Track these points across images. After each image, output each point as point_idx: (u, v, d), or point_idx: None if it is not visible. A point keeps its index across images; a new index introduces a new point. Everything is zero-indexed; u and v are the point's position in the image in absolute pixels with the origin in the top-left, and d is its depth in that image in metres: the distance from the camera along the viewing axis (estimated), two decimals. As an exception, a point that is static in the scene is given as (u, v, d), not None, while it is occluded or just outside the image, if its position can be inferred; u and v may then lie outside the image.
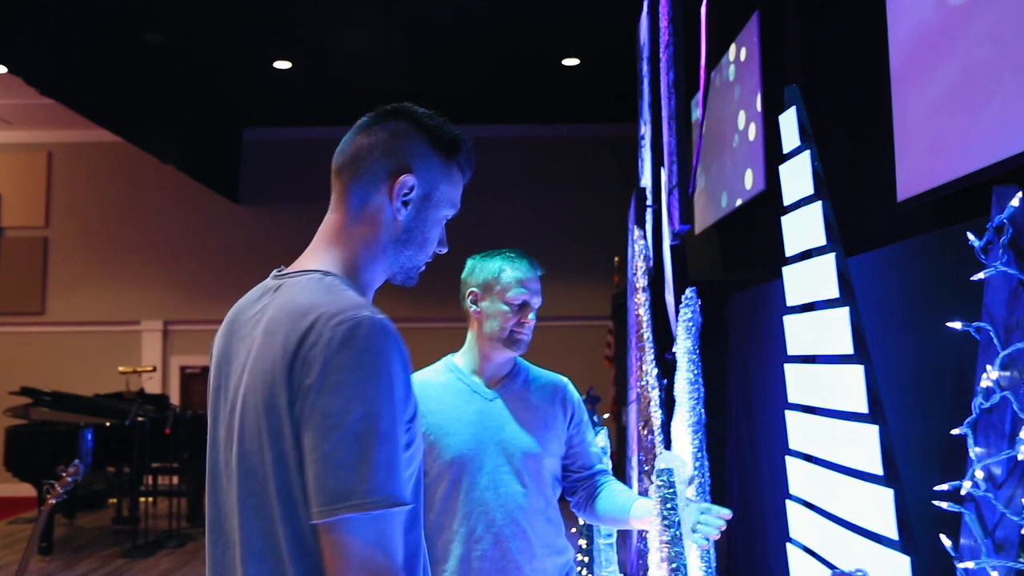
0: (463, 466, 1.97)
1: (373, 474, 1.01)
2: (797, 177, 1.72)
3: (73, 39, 6.12)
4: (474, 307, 2.06)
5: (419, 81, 8.22)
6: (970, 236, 1.21)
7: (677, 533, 1.52)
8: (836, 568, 0.84)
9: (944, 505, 1.24)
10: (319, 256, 1.23)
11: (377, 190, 1.24)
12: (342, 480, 1.00)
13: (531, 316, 2.02)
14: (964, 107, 1.83)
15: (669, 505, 1.52)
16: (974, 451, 1.21)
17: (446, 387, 2.06)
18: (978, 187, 1.80)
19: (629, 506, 1.95)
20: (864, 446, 1.50)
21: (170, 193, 9.58)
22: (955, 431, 1.23)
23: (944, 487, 1.23)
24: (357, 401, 1.03)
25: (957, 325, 1.21)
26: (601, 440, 3.71)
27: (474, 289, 2.05)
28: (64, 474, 3.49)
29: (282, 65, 7.72)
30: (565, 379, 2.15)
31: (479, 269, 2.06)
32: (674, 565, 1.55)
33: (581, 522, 3.60)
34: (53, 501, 3.67)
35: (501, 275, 2.04)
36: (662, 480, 1.51)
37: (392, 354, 1.07)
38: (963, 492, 1.20)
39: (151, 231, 9.69)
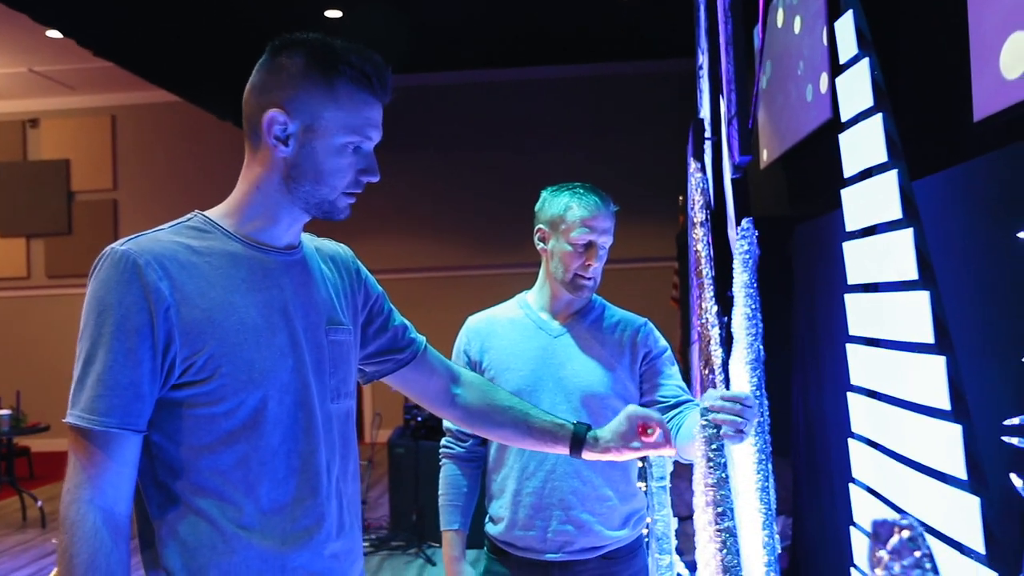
0: None
1: (75, 391, 1.17)
2: (855, 89, 1.57)
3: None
4: (541, 244, 1.99)
5: (473, 23, 8.05)
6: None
7: (723, 475, 1.42)
8: (891, 516, 0.75)
9: (1015, 441, 1.11)
10: (226, 199, 1.33)
11: (260, 130, 1.26)
12: (71, 392, 1.18)
13: (598, 258, 1.92)
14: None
15: (715, 446, 1.43)
16: (1053, 381, 1.09)
17: (513, 323, 2.01)
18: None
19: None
20: (930, 379, 1.38)
21: (231, 148, 9.63)
22: (1029, 359, 1.10)
23: (1015, 421, 1.10)
24: (81, 325, 1.19)
25: (1028, 236, 1.07)
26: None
27: (541, 226, 1.99)
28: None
29: (333, 14, 7.63)
30: (644, 320, 2.04)
31: (548, 204, 1.99)
32: (720, 509, 1.46)
33: (639, 464, 3.53)
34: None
35: (567, 213, 1.95)
36: (707, 420, 1.41)
37: (112, 281, 1.17)
38: (1039, 426, 1.08)
39: (215, 188, 9.67)
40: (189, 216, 1.31)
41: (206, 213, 1.32)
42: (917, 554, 0.61)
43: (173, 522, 1.23)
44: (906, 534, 0.61)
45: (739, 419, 1.42)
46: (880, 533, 0.61)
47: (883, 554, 0.61)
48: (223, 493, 1.22)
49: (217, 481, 1.22)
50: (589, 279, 1.93)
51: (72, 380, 1.19)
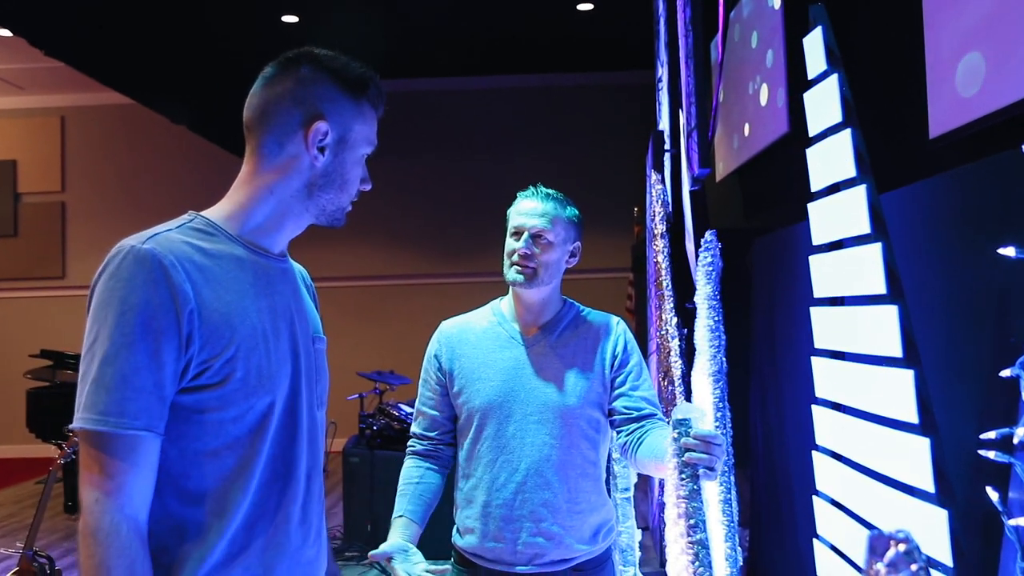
0: (489, 414, 1.88)
1: (92, 393, 1.11)
2: (823, 105, 1.59)
3: (74, -4, 5.99)
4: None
5: (434, 31, 8.03)
6: None
7: (695, 487, 1.42)
8: (875, 528, 0.75)
9: (992, 455, 1.13)
10: (221, 202, 1.31)
11: (291, 140, 1.28)
12: (80, 395, 1.13)
13: (530, 243, 1.89)
14: (1002, 34, 1.68)
15: (687, 457, 1.42)
16: (1024, 395, 1.10)
17: (485, 332, 1.98)
18: (1018, 119, 1.67)
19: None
20: (898, 393, 1.39)
21: (184, 153, 9.48)
22: (1005, 372, 1.12)
23: (992, 435, 1.12)
24: (96, 324, 1.13)
25: (1011, 251, 1.09)
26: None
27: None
28: (71, 434, 3.48)
29: (290, 19, 7.55)
30: (616, 319, 1.99)
31: None
32: (692, 521, 1.45)
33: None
34: (61, 461, 3.66)
35: (509, 211, 1.98)
36: (679, 432, 1.41)
37: (138, 280, 1.13)
38: (1016, 440, 1.09)
39: (167, 192, 9.63)
40: (189, 217, 1.28)
41: (204, 214, 1.29)
42: (914, 567, 0.60)
43: (159, 530, 1.19)
44: (902, 547, 0.60)
45: (711, 457, 1.42)
46: (876, 547, 0.61)
47: (880, 567, 0.60)
48: (221, 497, 1.21)
49: (219, 485, 1.21)
50: (522, 265, 1.90)
51: (84, 382, 1.13)
